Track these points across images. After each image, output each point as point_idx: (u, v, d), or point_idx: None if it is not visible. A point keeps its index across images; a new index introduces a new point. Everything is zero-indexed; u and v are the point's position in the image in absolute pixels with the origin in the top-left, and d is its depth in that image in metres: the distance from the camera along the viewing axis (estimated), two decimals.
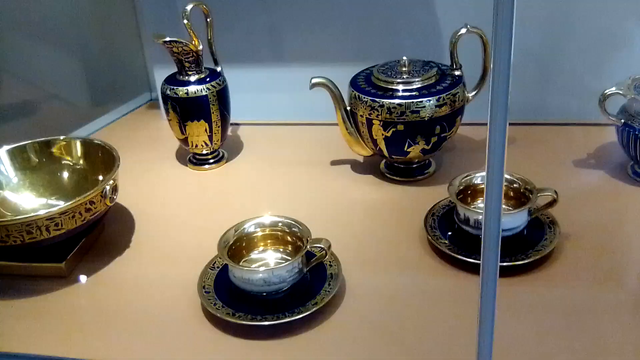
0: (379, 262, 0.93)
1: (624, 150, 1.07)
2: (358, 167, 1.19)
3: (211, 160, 1.22)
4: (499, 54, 0.49)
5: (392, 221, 1.02)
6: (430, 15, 1.24)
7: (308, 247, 0.83)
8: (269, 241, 0.89)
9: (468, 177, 0.97)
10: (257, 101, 1.37)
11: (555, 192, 0.92)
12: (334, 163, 1.20)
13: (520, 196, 0.94)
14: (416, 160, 1.11)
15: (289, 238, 0.88)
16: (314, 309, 0.81)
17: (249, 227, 0.88)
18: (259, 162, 1.24)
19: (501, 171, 0.53)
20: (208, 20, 1.18)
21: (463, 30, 1.06)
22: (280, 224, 0.88)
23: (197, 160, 1.22)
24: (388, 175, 1.14)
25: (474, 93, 1.11)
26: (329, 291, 0.83)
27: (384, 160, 1.16)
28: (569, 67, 1.24)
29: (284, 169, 1.20)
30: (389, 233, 0.99)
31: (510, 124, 1.31)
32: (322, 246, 0.84)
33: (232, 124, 1.34)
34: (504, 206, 0.95)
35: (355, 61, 1.19)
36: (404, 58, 1.08)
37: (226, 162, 1.24)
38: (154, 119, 1.47)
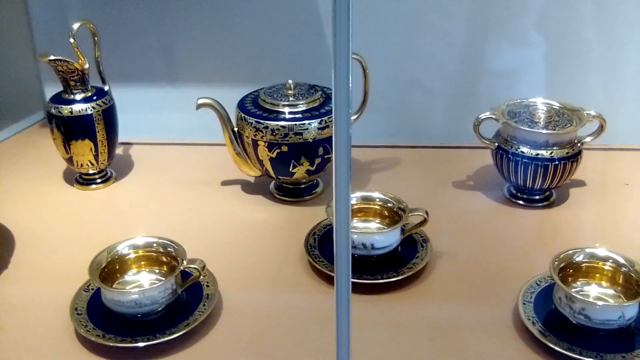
0: (259, 281, 0.94)
1: (499, 173, 1.13)
2: (248, 187, 1.20)
3: (98, 180, 1.21)
4: (339, 79, 0.51)
5: (277, 241, 1.03)
6: (319, 40, 1.27)
7: (181, 267, 0.84)
8: (143, 262, 0.88)
9: None
10: (150, 120, 1.37)
11: (426, 212, 0.95)
12: (225, 183, 1.21)
13: (394, 215, 0.97)
14: (304, 181, 1.13)
15: (164, 259, 0.88)
16: (186, 330, 0.81)
17: (122, 249, 0.87)
18: (149, 182, 1.23)
19: (347, 189, 0.55)
20: (96, 39, 1.17)
21: None
22: (155, 245, 0.88)
23: (84, 180, 1.20)
24: (277, 196, 1.16)
25: (356, 116, 1.14)
26: (202, 311, 0.84)
27: (273, 181, 1.18)
28: (452, 93, 1.30)
29: (174, 189, 1.20)
30: (273, 253, 1.00)
31: (395, 147, 1.37)
32: (197, 266, 0.85)
33: (124, 144, 1.34)
34: (378, 225, 0.99)
35: (249, 83, 1.20)
36: (290, 81, 1.10)
37: (114, 181, 1.23)
38: (45, 137, 1.43)
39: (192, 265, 0.85)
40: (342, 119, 0.52)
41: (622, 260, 0.84)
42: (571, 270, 0.84)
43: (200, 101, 1.09)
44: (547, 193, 1.12)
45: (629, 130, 1.29)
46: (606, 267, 0.84)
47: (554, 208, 1.11)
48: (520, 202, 1.12)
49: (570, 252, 0.85)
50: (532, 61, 1.27)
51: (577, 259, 0.84)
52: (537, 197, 1.11)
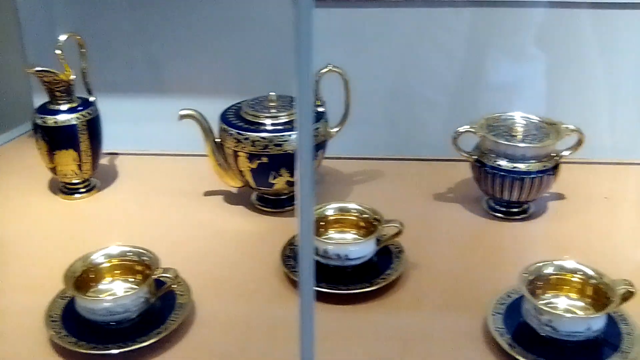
0: (235, 292, 0.95)
1: (477, 186, 1.13)
2: (230, 198, 1.21)
3: (82, 190, 1.22)
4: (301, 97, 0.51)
5: (256, 251, 1.04)
6: None
7: (154, 276, 0.85)
8: (118, 271, 0.89)
9: (320, 209, 1.00)
10: (135, 131, 1.38)
11: (401, 223, 0.96)
12: (208, 194, 1.22)
13: (369, 226, 0.98)
14: (285, 192, 1.14)
15: (138, 267, 0.89)
16: (157, 338, 0.82)
17: (97, 258, 0.88)
18: (132, 192, 1.24)
19: (310, 202, 0.55)
20: (82, 50, 1.19)
21: (324, 70, 1.11)
22: (129, 254, 0.89)
23: (68, 190, 1.22)
24: (258, 207, 1.17)
25: (337, 129, 1.16)
26: (174, 320, 0.85)
27: (255, 192, 1.19)
28: (434, 106, 1.31)
29: (157, 199, 1.21)
30: (250, 263, 1.01)
31: (377, 159, 1.38)
32: (169, 275, 0.86)
33: (109, 154, 1.35)
34: (354, 235, 1.00)
35: (233, 94, 1.22)
36: (272, 93, 1.12)
37: (98, 191, 1.24)
38: (33, 147, 1.45)
39: (165, 274, 0.86)
40: (305, 131, 0.52)
41: (591, 273, 0.84)
42: (541, 283, 0.85)
43: (183, 112, 1.10)
44: (525, 206, 1.13)
45: (608, 145, 1.30)
46: (575, 280, 0.85)
47: (531, 221, 1.12)
48: (499, 214, 1.13)
49: (540, 264, 0.85)
50: (513, 76, 1.28)
51: (546, 271, 0.85)
52: (515, 209, 1.12)
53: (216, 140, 1.12)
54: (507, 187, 1.07)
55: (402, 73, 1.30)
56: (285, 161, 1.07)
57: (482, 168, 1.09)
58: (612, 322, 0.84)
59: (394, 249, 1.00)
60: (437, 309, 0.91)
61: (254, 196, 1.19)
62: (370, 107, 1.30)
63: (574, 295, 0.86)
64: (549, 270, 0.85)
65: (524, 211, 1.13)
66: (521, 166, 1.06)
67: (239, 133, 1.07)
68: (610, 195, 1.20)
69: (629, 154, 1.32)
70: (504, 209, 1.13)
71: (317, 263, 0.95)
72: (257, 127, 1.08)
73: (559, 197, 1.19)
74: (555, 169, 1.08)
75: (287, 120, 1.09)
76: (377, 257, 0.97)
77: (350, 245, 0.95)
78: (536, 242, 1.07)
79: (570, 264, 0.85)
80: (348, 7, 1.27)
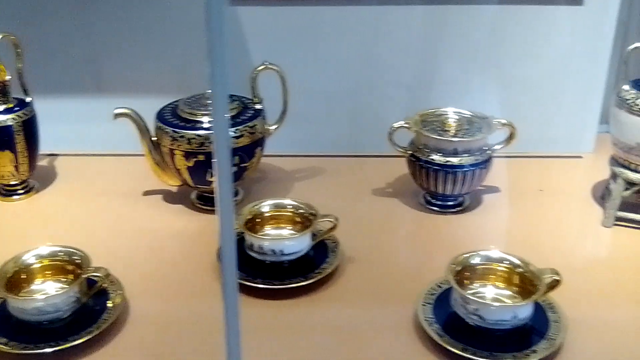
0: (170, 290, 0.95)
1: (413, 180, 1.16)
2: (170, 197, 1.21)
3: (20, 191, 1.20)
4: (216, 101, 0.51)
5: (193, 250, 1.04)
6: (239, 52, 1.29)
7: (85, 275, 0.84)
8: (50, 271, 0.89)
9: (256, 206, 1.01)
10: (75, 131, 1.37)
11: (336, 217, 0.98)
12: (147, 193, 1.22)
13: (305, 221, 0.99)
14: None
15: (69, 267, 0.88)
16: (88, 337, 0.82)
17: (28, 258, 0.88)
18: (72, 193, 1.23)
19: (230, 199, 0.55)
20: (17, 50, 1.17)
21: (261, 67, 1.12)
22: (60, 254, 0.88)
23: (6, 191, 1.20)
24: (198, 205, 1.17)
25: (275, 126, 1.16)
26: (106, 319, 0.85)
27: (194, 191, 1.19)
28: (374, 103, 1.33)
29: (96, 199, 1.20)
30: (186, 262, 1.01)
31: (318, 156, 1.39)
32: (100, 274, 0.86)
33: (48, 155, 1.34)
34: (290, 231, 1.01)
35: (172, 93, 1.21)
36: (209, 91, 1.11)
37: (37, 192, 1.22)
38: None
39: (96, 273, 0.86)
40: (221, 129, 0.53)
41: (517, 262, 0.87)
42: (468, 273, 0.87)
43: (117, 111, 1.09)
44: (460, 199, 1.15)
45: (543, 138, 1.34)
46: (501, 269, 0.88)
47: (467, 213, 1.15)
48: (435, 208, 1.15)
49: (467, 255, 0.88)
50: (447, 73, 1.30)
51: (473, 262, 0.87)
52: (451, 203, 1.15)
53: (153, 139, 1.12)
54: (440, 181, 1.09)
55: (342, 71, 1.31)
56: None
57: (417, 163, 1.11)
58: (540, 310, 0.86)
59: (330, 244, 1.01)
60: (371, 301, 0.93)
61: (193, 195, 1.19)
62: (311, 105, 1.31)
63: (501, 285, 0.88)
64: (476, 260, 0.88)
65: (460, 204, 1.15)
66: (454, 160, 1.08)
67: (174, 131, 1.07)
68: (544, 187, 1.23)
69: (563, 146, 1.36)
70: (440, 203, 1.15)
71: (254, 259, 0.96)
72: (193, 124, 1.08)
73: (495, 190, 1.21)
74: (487, 162, 1.11)
75: None
76: (313, 251, 0.99)
77: (285, 240, 0.96)
78: (471, 234, 1.10)
79: (496, 253, 0.88)
80: (291, 6, 1.27)
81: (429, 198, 1.16)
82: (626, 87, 1.07)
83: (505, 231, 1.11)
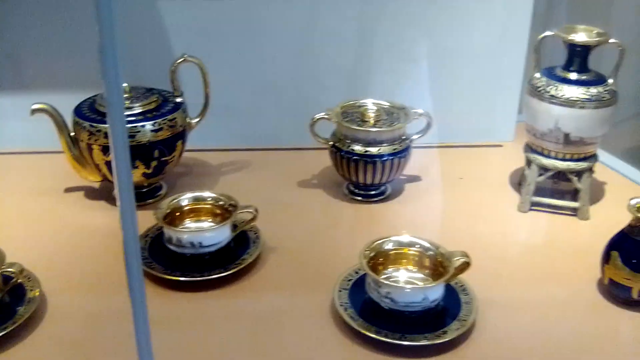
0: (88, 285, 0.95)
1: (336, 171, 1.17)
2: (92, 194, 1.19)
3: None
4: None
5: (112, 245, 1.02)
6: (158, 44, 1.28)
7: None
8: None
9: (175, 200, 1.01)
10: None
11: (256, 208, 0.99)
12: (69, 190, 1.20)
13: (225, 213, 0.99)
14: (145, 184, 1.14)
15: None
16: (5, 332, 0.81)
17: None
18: None
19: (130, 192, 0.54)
20: None
21: (180, 60, 1.11)
22: None
23: None
24: None
25: (197, 119, 1.16)
26: (22, 315, 0.84)
27: None
28: (300, 96, 1.33)
29: (15, 198, 1.18)
30: (105, 257, 1.00)
31: (243, 150, 1.39)
32: (14, 270, 0.85)
33: None
34: (210, 223, 1.01)
35: (91, 88, 1.19)
36: (125, 84, 1.11)
37: None
38: None
39: (10, 269, 0.85)
40: (117, 120, 0.52)
41: (427, 245, 0.89)
42: (382, 258, 0.89)
43: (35, 106, 1.08)
44: (382, 188, 1.17)
45: (466, 129, 1.37)
46: (412, 252, 0.90)
47: (388, 202, 1.17)
48: (358, 197, 1.17)
49: (380, 241, 0.89)
50: (373, 65, 1.32)
51: (386, 247, 0.89)
52: (373, 192, 1.16)
53: (71, 134, 1.10)
54: (361, 170, 1.11)
55: (267, 64, 1.32)
56: (139, 153, 1.07)
57: (338, 153, 1.13)
58: (453, 292, 0.89)
59: (252, 235, 1.02)
60: (291, 289, 0.94)
61: (115, 191, 1.18)
62: (236, 98, 1.31)
63: (413, 268, 0.90)
64: (389, 245, 0.89)
65: (382, 193, 1.17)
66: (373, 150, 1.10)
67: (91, 125, 1.06)
68: (465, 176, 1.27)
69: (485, 136, 1.39)
70: (363, 192, 1.17)
71: (173, 252, 0.96)
72: None
73: (417, 179, 1.24)
74: (406, 151, 1.13)
75: (140, 111, 1.08)
76: (234, 243, 0.99)
77: (204, 232, 0.96)
78: (392, 221, 1.12)
79: (406, 238, 0.90)
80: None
81: (352, 188, 1.18)
82: (537, 75, 1.11)
83: (425, 218, 1.14)
